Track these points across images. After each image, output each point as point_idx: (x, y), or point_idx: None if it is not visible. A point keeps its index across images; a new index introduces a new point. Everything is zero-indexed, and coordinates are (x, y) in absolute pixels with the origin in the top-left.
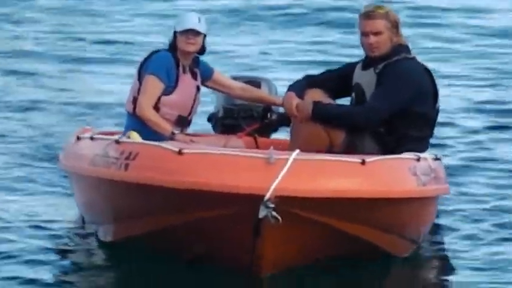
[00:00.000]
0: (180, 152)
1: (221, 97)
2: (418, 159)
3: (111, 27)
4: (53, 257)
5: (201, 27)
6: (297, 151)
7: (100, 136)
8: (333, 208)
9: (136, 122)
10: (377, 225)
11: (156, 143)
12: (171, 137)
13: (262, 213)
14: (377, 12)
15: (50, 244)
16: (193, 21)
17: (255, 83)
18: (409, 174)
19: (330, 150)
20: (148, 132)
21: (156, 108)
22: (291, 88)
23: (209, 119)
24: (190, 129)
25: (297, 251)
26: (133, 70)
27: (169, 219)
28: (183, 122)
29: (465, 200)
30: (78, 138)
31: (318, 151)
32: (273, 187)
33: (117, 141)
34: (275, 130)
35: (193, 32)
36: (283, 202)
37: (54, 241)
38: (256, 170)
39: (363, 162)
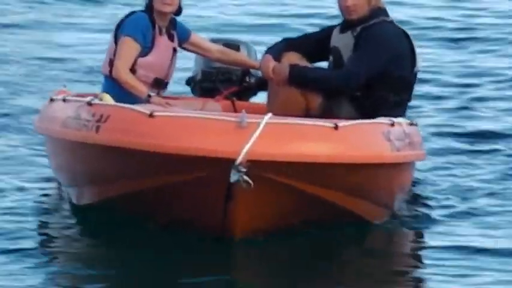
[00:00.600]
0: (151, 115)
1: (200, 60)
2: (393, 124)
3: None
4: (26, 222)
5: None
6: (270, 115)
7: (73, 98)
8: (305, 172)
9: (113, 85)
10: (350, 191)
11: (128, 106)
12: (147, 100)
13: (233, 177)
14: None
15: (23, 207)
16: None
17: (234, 46)
18: (382, 139)
19: (306, 114)
20: (125, 95)
21: (133, 70)
22: (268, 51)
23: (188, 83)
24: (168, 92)
25: (269, 215)
26: None
27: (141, 183)
28: (159, 84)
29: (443, 168)
30: (52, 100)
31: (295, 115)
32: (244, 151)
33: (89, 103)
34: (254, 94)
35: None
36: (255, 166)
37: (28, 203)
38: (228, 134)
39: (336, 127)
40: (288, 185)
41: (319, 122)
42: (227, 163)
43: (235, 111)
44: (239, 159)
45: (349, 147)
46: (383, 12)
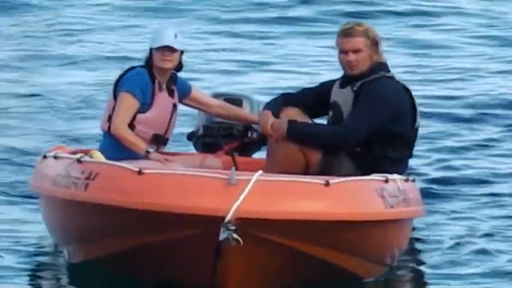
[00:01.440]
0: (140, 172)
1: (201, 115)
2: (386, 181)
3: None
4: (18, 277)
5: (178, 44)
6: (260, 172)
7: (64, 155)
8: (295, 230)
9: (112, 141)
10: (342, 248)
11: (117, 163)
12: (146, 156)
13: (222, 235)
14: (356, 30)
15: (18, 262)
16: (169, 38)
17: (237, 100)
18: (375, 196)
19: (306, 170)
20: (124, 151)
21: (131, 126)
22: (266, 106)
23: (189, 138)
24: (169, 147)
25: (260, 274)
26: None
27: (130, 241)
28: (159, 140)
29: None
30: (44, 157)
31: (294, 171)
32: (233, 209)
33: (78, 160)
34: (258, 149)
35: (169, 49)
36: (244, 224)
37: (23, 259)
38: (217, 191)
39: (327, 184)
40: (278, 243)
41: (310, 179)
42: (216, 221)
43: (236, 166)
44: (228, 217)
45: (340, 204)
46: (384, 67)
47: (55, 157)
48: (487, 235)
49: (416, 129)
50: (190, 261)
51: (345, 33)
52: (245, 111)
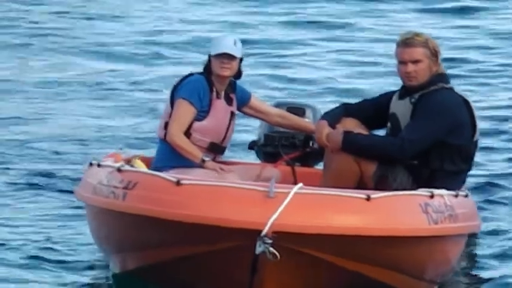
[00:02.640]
0: (178, 183)
1: (263, 123)
2: (432, 196)
3: None
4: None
5: (237, 51)
6: (300, 185)
7: (106, 163)
8: (333, 245)
9: (167, 149)
10: (382, 264)
11: (156, 173)
12: (202, 165)
13: (259, 249)
14: (416, 40)
15: (65, 270)
16: (228, 45)
17: (300, 109)
18: (418, 212)
19: (360, 183)
20: (180, 158)
21: (187, 134)
22: (324, 116)
23: (250, 147)
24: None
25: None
26: None
27: (166, 253)
28: (215, 149)
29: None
30: (90, 165)
31: (348, 184)
32: (270, 222)
33: (118, 169)
34: (321, 159)
35: (228, 56)
36: (281, 238)
37: (70, 267)
38: (255, 204)
39: (368, 198)
40: (315, 258)
41: (351, 193)
42: (253, 234)
43: (295, 177)
44: (265, 231)
45: (380, 219)
46: (443, 78)
47: (98, 165)
48: None
49: (476, 142)
50: (227, 274)
51: (405, 43)
52: (304, 120)
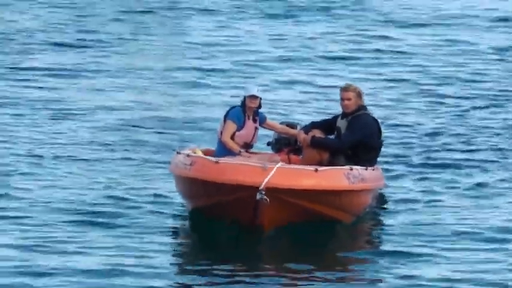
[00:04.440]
0: (216, 162)
1: (275, 132)
2: (351, 169)
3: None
4: (158, 223)
5: (258, 94)
6: (280, 163)
7: (183, 152)
8: (298, 195)
9: (221, 145)
10: (325, 204)
11: (206, 157)
12: (238, 154)
13: (258, 197)
14: (349, 87)
15: (161, 215)
16: (254, 90)
17: (293, 125)
18: (343, 177)
19: (320, 164)
20: (227, 150)
21: (232, 138)
22: (302, 128)
23: (268, 144)
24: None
25: (279, 218)
26: None
27: (211, 199)
28: (247, 146)
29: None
30: (177, 153)
31: (313, 164)
32: (264, 182)
33: (188, 155)
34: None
35: (254, 97)
36: (270, 190)
37: (165, 213)
38: (257, 173)
39: (316, 170)
40: (289, 201)
41: (307, 167)
42: (255, 189)
43: (290, 161)
44: (261, 187)
45: (322, 181)
46: (364, 108)
47: (178, 153)
48: None
49: (381, 142)
50: (242, 211)
51: (343, 89)
52: (295, 131)
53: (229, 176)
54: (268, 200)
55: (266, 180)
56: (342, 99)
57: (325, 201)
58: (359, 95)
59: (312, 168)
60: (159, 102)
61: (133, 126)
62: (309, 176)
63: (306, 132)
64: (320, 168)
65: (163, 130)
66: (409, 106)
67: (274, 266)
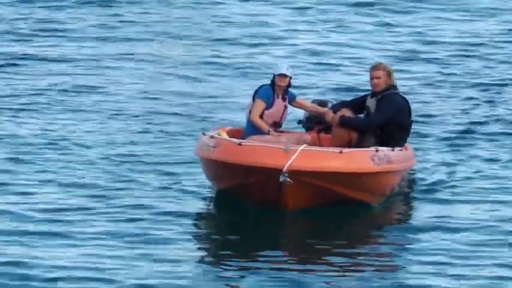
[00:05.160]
0: (239, 144)
1: (305, 111)
2: (377, 151)
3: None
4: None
5: (288, 72)
6: (304, 145)
7: (208, 133)
8: (321, 176)
9: (250, 124)
10: (351, 187)
11: (229, 139)
12: (267, 132)
13: (281, 179)
14: (379, 66)
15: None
16: (283, 69)
17: (324, 103)
18: (368, 159)
19: (349, 144)
20: (256, 129)
21: (261, 117)
22: (332, 107)
23: (299, 123)
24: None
25: (302, 199)
26: None
27: (235, 181)
28: (276, 125)
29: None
30: (203, 134)
31: (343, 144)
32: (287, 164)
33: (211, 137)
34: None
35: (283, 75)
36: (293, 172)
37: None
38: (280, 155)
39: (341, 152)
40: (311, 183)
41: (331, 149)
42: (279, 171)
43: (320, 140)
44: (284, 169)
45: (347, 162)
46: (394, 87)
47: (203, 134)
48: None
49: (411, 121)
50: (267, 192)
51: (373, 68)
52: (325, 109)
53: (252, 159)
54: (291, 182)
55: (289, 162)
56: (372, 78)
57: (350, 184)
58: (389, 74)
59: (337, 150)
60: (187, 82)
61: (160, 106)
62: (332, 158)
63: (335, 112)
64: (345, 150)
65: (193, 111)
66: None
67: (297, 248)
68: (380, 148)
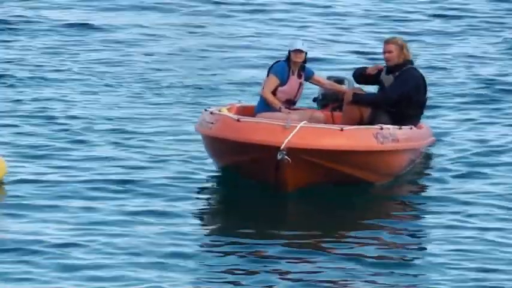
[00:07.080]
0: (238, 120)
1: (320, 88)
2: (381, 128)
3: None
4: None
5: (304, 48)
6: (304, 122)
7: (210, 109)
8: (321, 154)
9: (262, 100)
10: (352, 166)
11: (228, 114)
12: (279, 110)
13: (279, 156)
14: (390, 40)
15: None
16: (299, 44)
17: (340, 80)
18: (371, 137)
19: (360, 121)
20: (268, 106)
21: (274, 93)
22: (353, 75)
23: (314, 100)
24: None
25: (300, 178)
26: None
27: (233, 159)
28: (289, 102)
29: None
30: (205, 110)
31: (354, 121)
32: (285, 142)
33: (211, 113)
34: None
35: (299, 51)
36: (291, 150)
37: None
38: (278, 132)
39: (342, 129)
40: (310, 161)
41: (331, 126)
42: (276, 148)
43: (333, 117)
44: (282, 146)
45: (347, 140)
46: (410, 62)
47: (205, 110)
48: None
49: (426, 99)
50: (265, 170)
51: (385, 41)
52: (342, 86)
53: (249, 135)
54: (289, 160)
55: (287, 139)
56: (384, 52)
57: (351, 162)
58: (402, 47)
59: (338, 127)
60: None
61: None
62: (333, 136)
63: (360, 75)
64: (346, 128)
65: (206, 87)
66: None
67: (297, 228)
68: (385, 126)
